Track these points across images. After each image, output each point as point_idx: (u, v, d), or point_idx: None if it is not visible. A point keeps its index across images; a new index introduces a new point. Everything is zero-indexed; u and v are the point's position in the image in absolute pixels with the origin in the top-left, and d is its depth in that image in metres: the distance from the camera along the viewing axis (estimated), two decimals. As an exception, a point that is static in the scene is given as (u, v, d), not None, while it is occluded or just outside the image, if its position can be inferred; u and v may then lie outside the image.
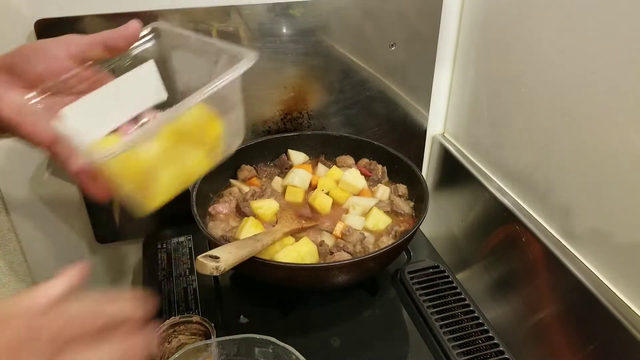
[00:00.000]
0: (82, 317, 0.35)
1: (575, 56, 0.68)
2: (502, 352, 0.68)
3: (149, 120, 0.51)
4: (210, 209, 0.81)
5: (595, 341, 0.69)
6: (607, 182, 0.66)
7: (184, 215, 0.74)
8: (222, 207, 0.81)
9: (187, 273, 0.83)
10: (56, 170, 0.85)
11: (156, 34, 0.53)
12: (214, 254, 0.57)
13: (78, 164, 0.46)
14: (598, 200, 0.68)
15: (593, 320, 0.69)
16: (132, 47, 0.51)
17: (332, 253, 0.72)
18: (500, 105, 0.87)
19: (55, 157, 0.48)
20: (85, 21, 0.73)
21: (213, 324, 0.65)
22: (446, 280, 0.80)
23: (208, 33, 0.79)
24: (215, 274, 0.56)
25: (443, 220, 1.07)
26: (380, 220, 0.79)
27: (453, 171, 1.02)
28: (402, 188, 0.85)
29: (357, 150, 0.92)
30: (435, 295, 0.77)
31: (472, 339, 0.70)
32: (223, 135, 0.51)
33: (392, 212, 0.82)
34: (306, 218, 0.80)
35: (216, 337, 0.63)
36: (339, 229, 0.76)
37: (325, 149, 0.94)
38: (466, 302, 0.76)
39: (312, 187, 0.86)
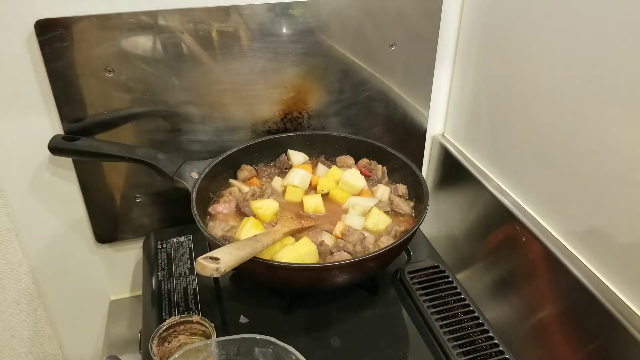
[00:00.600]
0: None
1: (574, 56, 0.68)
2: (502, 352, 0.68)
3: None
4: (210, 209, 0.81)
5: (595, 341, 0.69)
6: (607, 182, 0.66)
7: (184, 215, 0.74)
8: (222, 207, 0.81)
9: (187, 273, 0.83)
10: (56, 170, 0.85)
11: None
12: (214, 255, 0.57)
13: None
14: (598, 200, 0.68)
15: (593, 320, 0.69)
16: None
17: (332, 253, 0.72)
18: (500, 105, 0.87)
19: None
20: (85, 21, 0.73)
21: (213, 324, 0.66)
22: (446, 280, 0.80)
23: (208, 33, 0.79)
24: (215, 275, 0.55)
25: (443, 220, 1.07)
26: (380, 220, 0.79)
27: (453, 171, 1.02)
28: (402, 188, 0.85)
29: (357, 150, 0.92)
30: (435, 295, 0.77)
31: (472, 339, 0.70)
32: None
33: (392, 212, 0.82)
34: (306, 218, 0.80)
35: (216, 337, 0.63)
36: (339, 229, 0.76)
37: (325, 149, 0.94)
38: (466, 302, 0.76)
39: (312, 187, 0.86)
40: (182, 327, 0.67)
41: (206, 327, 0.66)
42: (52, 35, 0.72)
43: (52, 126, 0.81)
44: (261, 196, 0.83)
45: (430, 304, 0.75)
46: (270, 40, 0.83)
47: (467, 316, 0.74)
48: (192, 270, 0.83)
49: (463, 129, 1.00)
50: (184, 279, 0.82)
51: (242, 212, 0.79)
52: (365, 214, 0.80)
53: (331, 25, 0.85)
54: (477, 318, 0.73)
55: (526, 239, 0.80)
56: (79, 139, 0.78)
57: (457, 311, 0.75)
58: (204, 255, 0.57)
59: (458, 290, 0.78)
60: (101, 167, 0.86)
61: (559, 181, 0.75)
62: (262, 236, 0.68)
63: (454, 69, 0.99)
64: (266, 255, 0.68)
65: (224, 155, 0.85)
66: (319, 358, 0.69)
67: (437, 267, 0.83)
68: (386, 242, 0.75)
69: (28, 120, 0.79)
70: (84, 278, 0.98)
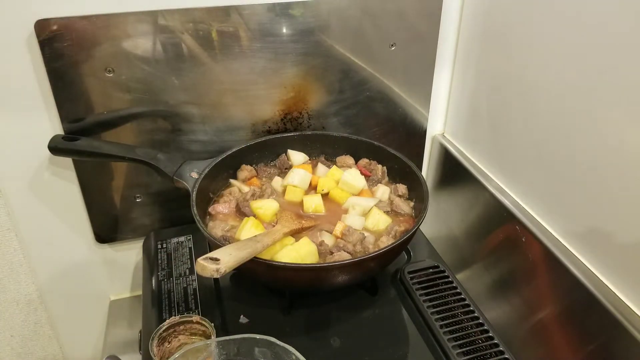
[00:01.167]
0: None
1: (575, 56, 0.68)
2: (502, 352, 0.68)
3: None
4: (210, 209, 0.81)
5: (595, 341, 0.69)
6: (607, 182, 0.66)
7: (184, 215, 0.74)
8: (222, 207, 0.81)
9: (187, 273, 0.83)
10: (56, 170, 0.85)
11: None
12: (214, 256, 0.57)
13: None
14: (598, 200, 0.68)
15: (593, 320, 0.69)
16: None
17: (332, 253, 0.72)
18: (500, 105, 0.87)
19: None
20: (85, 21, 0.73)
21: (213, 324, 0.66)
22: (446, 280, 0.80)
23: (208, 33, 0.79)
24: (215, 276, 0.55)
25: (443, 220, 1.07)
26: (380, 220, 0.79)
27: (453, 171, 1.02)
28: (402, 188, 0.85)
29: (357, 150, 0.92)
30: (435, 295, 0.77)
31: (472, 339, 0.70)
32: None
33: (392, 212, 0.82)
34: (306, 218, 0.80)
35: (216, 337, 0.63)
36: (339, 229, 0.76)
37: (325, 149, 0.94)
38: (466, 302, 0.76)
39: (312, 187, 0.86)
40: (182, 327, 0.67)
41: (206, 327, 0.66)
42: (52, 35, 0.72)
43: (52, 126, 0.81)
44: (261, 196, 0.83)
45: (430, 304, 0.75)
46: (270, 40, 0.83)
47: (467, 316, 0.74)
48: (192, 270, 0.83)
49: (463, 129, 1.00)
50: (184, 279, 0.82)
51: (242, 212, 0.79)
52: (365, 214, 0.80)
53: (331, 25, 0.85)
54: (477, 318, 0.73)
55: (526, 239, 0.80)
56: (79, 139, 0.78)
57: (457, 311, 0.75)
58: (204, 256, 0.57)
59: (458, 290, 0.78)
60: (101, 167, 0.86)
61: (559, 181, 0.75)
62: (262, 236, 0.68)
63: (454, 69, 0.99)
64: (266, 256, 0.68)
65: (224, 155, 0.85)
66: (319, 358, 0.69)
67: (437, 267, 0.83)
68: (386, 242, 0.75)
69: (28, 120, 0.79)
70: (84, 278, 0.98)
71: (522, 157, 0.83)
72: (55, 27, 0.72)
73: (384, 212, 0.81)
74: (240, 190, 0.85)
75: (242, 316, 0.75)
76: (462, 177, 0.98)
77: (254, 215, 0.78)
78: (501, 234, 0.88)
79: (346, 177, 0.84)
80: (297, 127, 0.94)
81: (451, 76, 1.00)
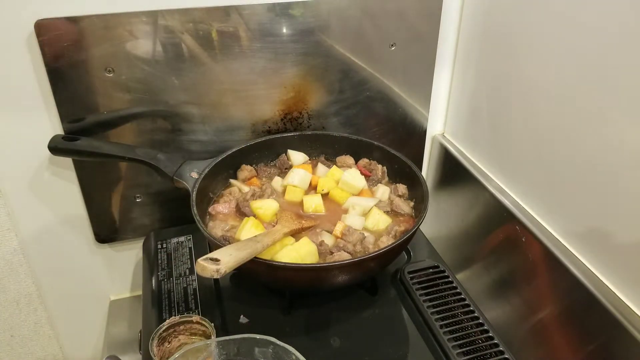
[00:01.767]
0: None
1: (575, 56, 0.68)
2: (502, 352, 0.68)
3: None
4: (210, 209, 0.81)
5: (595, 341, 0.69)
6: (607, 182, 0.66)
7: (184, 215, 0.74)
8: (222, 207, 0.81)
9: (187, 273, 0.83)
10: (56, 170, 0.85)
11: None
12: (215, 257, 0.57)
13: None
14: (598, 200, 0.68)
15: (593, 320, 0.69)
16: None
17: (332, 253, 0.72)
18: (500, 105, 0.87)
19: None
20: (85, 21, 0.73)
21: (213, 324, 0.66)
22: (446, 280, 0.80)
23: (208, 33, 0.79)
24: (215, 276, 0.55)
25: (443, 220, 1.07)
26: (380, 220, 0.79)
27: (453, 171, 1.02)
28: (402, 188, 0.85)
29: (357, 150, 0.92)
30: (435, 295, 0.77)
31: (472, 339, 0.70)
32: None
33: (392, 212, 0.82)
34: (306, 218, 0.80)
35: (216, 337, 0.63)
36: (339, 229, 0.76)
37: (325, 149, 0.94)
38: (466, 302, 0.76)
39: (312, 187, 0.86)
40: (182, 327, 0.67)
41: (206, 327, 0.66)
42: (52, 35, 0.72)
43: (52, 126, 0.81)
44: (261, 196, 0.83)
45: (430, 304, 0.75)
46: (270, 40, 0.83)
47: (467, 316, 0.74)
48: (192, 270, 0.83)
49: (463, 129, 1.00)
50: (184, 279, 0.82)
51: (242, 212, 0.79)
52: (365, 214, 0.80)
53: (331, 25, 0.85)
54: (477, 318, 0.73)
55: (526, 239, 0.80)
56: (79, 139, 0.78)
57: (457, 311, 0.75)
58: (204, 257, 0.57)
59: (458, 290, 0.78)
60: (101, 167, 0.86)
61: (559, 181, 0.75)
62: (262, 236, 0.68)
63: (454, 69, 0.99)
64: (266, 256, 0.68)
65: (224, 155, 0.85)
66: (319, 358, 0.69)
67: (437, 267, 0.83)
68: (386, 242, 0.75)
69: (28, 120, 0.79)
70: (84, 278, 0.98)
71: (522, 157, 0.83)
72: (55, 27, 0.72)
73: (384, 212, 0.81)
74: (240, 190, 0.85)
75: (242, 316, 0.75)
76: (462, 177, 0.98)
77: (254, 215, 0.78)
78: (501, 234, 0.88)
79: (346, 177, 0.84)
80: (297, 127, 0.94)
81: (451, 76, 1.00)
